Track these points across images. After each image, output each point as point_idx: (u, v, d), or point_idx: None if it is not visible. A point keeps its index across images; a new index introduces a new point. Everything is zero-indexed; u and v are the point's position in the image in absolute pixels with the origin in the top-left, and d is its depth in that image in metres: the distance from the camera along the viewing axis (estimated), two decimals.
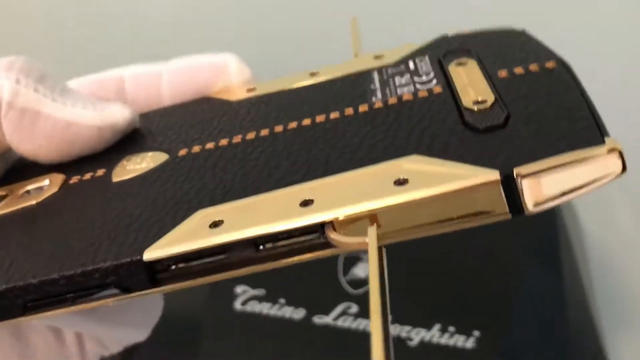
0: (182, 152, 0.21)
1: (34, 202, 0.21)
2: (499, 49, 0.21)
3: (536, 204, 0.16)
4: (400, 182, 0.16)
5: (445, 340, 0.38)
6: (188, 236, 0.17)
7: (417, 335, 0.38)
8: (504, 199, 0.16)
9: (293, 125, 0.20)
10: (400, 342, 0.38)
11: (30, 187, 0.22)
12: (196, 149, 0.21)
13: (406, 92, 0.20)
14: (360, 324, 0.39)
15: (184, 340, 0.40)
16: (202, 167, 0.19)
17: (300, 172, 0.18)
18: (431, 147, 0.17)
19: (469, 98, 0.19)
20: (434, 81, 0.20)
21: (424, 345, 0.38)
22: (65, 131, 0.21)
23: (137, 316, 0.25)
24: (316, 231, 0.16)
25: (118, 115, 0.22)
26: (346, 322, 0.39)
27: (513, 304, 0.39)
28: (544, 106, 0.17)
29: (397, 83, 0.21)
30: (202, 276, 0.17)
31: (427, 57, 0.22)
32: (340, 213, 0.16)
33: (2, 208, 0.21)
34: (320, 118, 0.20)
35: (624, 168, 0.16)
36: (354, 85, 0.21)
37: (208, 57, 0.24)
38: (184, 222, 0.17)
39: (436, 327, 0.38)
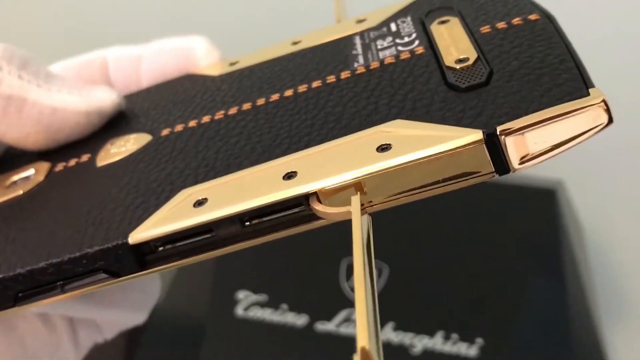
0: (165, 132, 0.21)
1: (20, 192, 0.21)
2: (482, 4, 0.21)
3: (521, 161, 0.16)
4: (383, 148, 0.16)
5: (448, 347, 0.38)
6: (173, 216, 0.17)
7: (420, 343, 0.38)
8: (489, 158, 0.15)
9: (275, 97, 0.20)
10: (402, 349, 0.38)
11: (16, 177, 0.22)
12: (179, 127, 0.20)
13: (388, 56, 0.20)
14: None
15: (186, 345, 0.40)
16: (185, 146, 0.19)
17: (282, 145, 0.18)
18: (414, 110, 0.17)
19: (451, 57, 0.18)
20: (416, 42, 0.20)
21: (427, 352, 0.38)
22: (51, 117, 0.21)
23: (134, 297, 0.25)
24: (301, 204, 0.16)
25: (105, 99, 0.22)
26: (349, 329, 0.39)
27: (516, 311, 0.39)
28: (527, 60, 0.17)
29: (379, 46, 0.21)
30: (191, 256, 0.17)
31: (409, 18, 0.22)
32: (323, 184, 0.16)
33: None
34: (302, 88, 0.20)
35: (610, 119, 0.15)
36: (335, 52, 0.21)
37: (176, 41, 0.24)
38: (168, 203, 0.17)
39: (439, 334, 0.38)
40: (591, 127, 0.15)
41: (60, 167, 0.21)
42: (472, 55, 0.18)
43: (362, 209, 0.15)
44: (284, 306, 0.40)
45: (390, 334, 0.38)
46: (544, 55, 0.17)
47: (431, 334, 0.38)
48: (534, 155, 0.16)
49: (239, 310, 0.40)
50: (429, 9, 0.21)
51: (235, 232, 0.17)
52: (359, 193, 0.16)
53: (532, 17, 0.19)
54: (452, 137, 0.16)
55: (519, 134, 0.15)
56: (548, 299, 0.39)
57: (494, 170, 0.16)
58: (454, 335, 0.38)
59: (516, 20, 0.19)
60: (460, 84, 0.17)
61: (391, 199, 0.16)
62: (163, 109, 0.22)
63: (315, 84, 0.20)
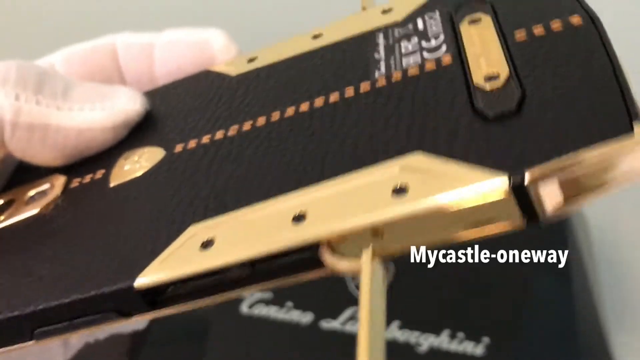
0: (179, 148, 0.20)
1: (37, 209, 0.20)
2: (520, 1, 0.19)
3: (554, 210, 0.14)
4: (399, 190, 0.15)
5: (454, 346, 0.38)
6: (179, 259, 0.16)
7: (426, 341, 0.38)
8: (516, 205, 0.14)
9: (290, 111, 0.19)
10: (409, 347, 0.38)
11: (34, 191, 0.21)
12: (192, 144, 0.20)
13: (412, 64, 0.18)
14: None
15: (190, 343, 0.40)
16: (197, 168, 0.19)
17: (294, 175, 0.17)
18: (435, 141, 0.16)
19: (481, 72, 0.17)
20: (444, 48, 0.18)
21: (433, 351, 0.38)
22: (78, 139, 0.20)
23: None
24: (311, 250, 0.15)
25: (130, 109, 0.21)
26: (354, 327, 0.39)
27: (523, 310, 0.38)
28: (562, 82, 0.15)
29: (403, 50, 0.19)
30: (202, 297, 0.17)
31: (437, 14, 0.20)
32: (333, 230, 0.15)
33: (9, 217, 0.21)
34: (319, 101, 0.19)
35: None
36: (357, 54, 0.20)
37: (192, 33, 0.23)
38: (176, 241, 0.17)
39: (445, 333, 0.38)
40: (632, 170, 0.14)
41: (75, 182, 0.21)
42: (504, 71, 0.16)
43: (374, 258, 0.15)
44: (289, 304, 0.40)
45: (396, 332, 0.38)
46: (582, 75, 0.15)
47: (437, 332, 0.38)
48: (564, 202, 0.14)
49: (244, 308, 0.40)
50: (460, 1, 0.20)
51: (245, 275, 0.16)
52: (371, 245, 0.15)
53: (574, 20, 0.17)
54: (474, 180, 0.14)
55: (547, 180, 0.14)
56: (554, 297, 0.39)
57: (522, 219, 0.14)
58: (460, 334, 0.38)
59: (555, 25, 0.17)
60: (488, 112, 0.15)
61: (408, 245, 0.15)
62: (178, 115, 0.21)
63: (333, 97, 0.19)
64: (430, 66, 0.18)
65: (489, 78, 0.16)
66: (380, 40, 0.20)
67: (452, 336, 0.38)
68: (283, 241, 0.15)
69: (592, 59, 0.16)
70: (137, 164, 0.20)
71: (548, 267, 0.40)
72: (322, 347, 0.38)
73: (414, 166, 0.15)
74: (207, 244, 0.16)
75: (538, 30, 0.17)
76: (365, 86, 0.18)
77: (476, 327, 0.38)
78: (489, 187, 0.14)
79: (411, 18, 0.20)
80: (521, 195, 0.14)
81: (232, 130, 0.19)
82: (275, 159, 0.18)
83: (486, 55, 0.17)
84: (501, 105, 0.15)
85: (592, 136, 0.14)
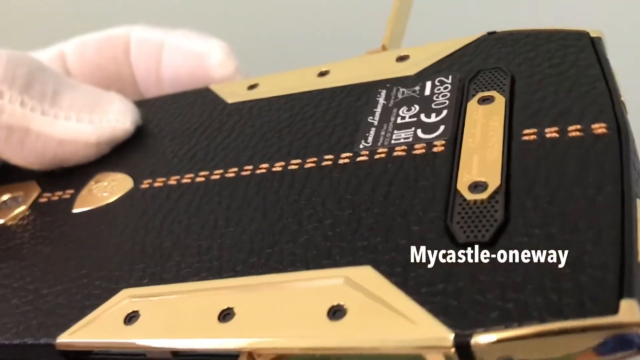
0: (146, 183, 0.20)
1: (2, 220, 0.20)
2: (543, 77, 0.16)
3: None
4: (335, 312, 0.13)
5: None
6: (102, 327, 0.16)
7: None
8: None
9: (263, 168, 0.18)
10: None
11: (7, 196, 0.21)
12: (159, 182, 0.19)
13: (402, 142, 0.17)
14: None
15: None
16: (154, 214, 0.18)
17: (238, 258, 0.16)
18: (392, 259, 0.14)
19: (469, 175, 0.15)
20: (440, 129, 0.16)
21: None
22: (58, 149, 0.20)
23: None
24: (232, 355, 0.14)
25: (117, 127, 0.20)
26: None
27: None
28: (555, 217, 0.13)
29: (399, 120, 0.17)
30: None
31: (450, 80, 0.18)
32: (255, 344, 0.14)
33: None
34: (294, 164, 0.18)
35: None
36: (352, 112, 0.19)
37: (194, 42, 0.22)
38: (105, 304, 0.16)
39: None
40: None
41: (44, 198, 0.21)
42: (494, 181, 0.14)
43: None
44: None
45: None
46: (583, 213, 0.13)
47: None
48: None
49: None
50: (479, 68, 0.18)
51: (167, 359, 0.15)
52: None
53: (598, 128, 0.14)
54: (415, 329, 0.12)
55: (499, 346, 0.12)
56: None
57: None
58: None
59: (573, 130, 0.14)
60: (458, 235, 0.14)
61: None
62: (160, 141, 0.21)
63: (309, 163, 0.17)
64: (419, 150, 0.16)
65: (475, 186, 0.14)
66: (381, 99, 0.19)
67: None
68: (204, 341, 0.14)
69: (601, 189, 0.13)
70: (105, 191, 0.20)
71: None
72: None
73: (360, 283, 0.14)
74: (131, 318, 0.15)
75: (551, 133, 0.15)
76: (345, 158, 0.17)
77: None
78: (431, 340, 0.12)
79: (422, 77, 0.19)
80: (466, 356, 0.12)
81: (200, 177, 0.19)
82: (229, 226, 0.17)
83: (482, 153, 0.15)
84: (475, 230, 0.14)
85: (564, 306, 0.12)
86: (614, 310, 0.11)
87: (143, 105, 0.23)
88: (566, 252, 0.12)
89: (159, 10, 0.50)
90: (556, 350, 0.12)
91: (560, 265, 0.12)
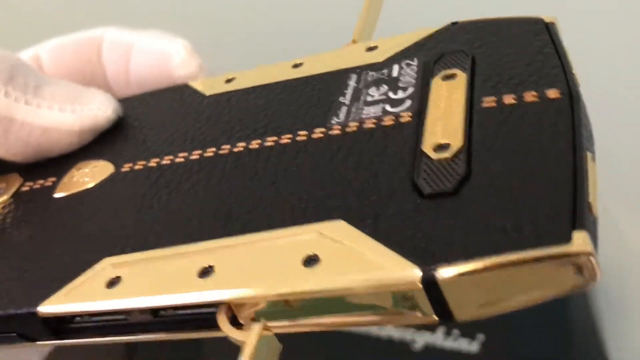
0: (126, 167, 0.20)
1: None
2: (502, 56, 0.18)
3: (469, 313, 0.13)
4: (310, 261, 0.14)
5: (449, 343, 0.38)
6: (84, 293, 0.16)
7: (420, 338, 0.38)
8: (427, 302, 0.13)
9: (240, 147, 0.19)
10: (403, 345, 0.38)
11: None
12: (139, 165, 0.20)
13: (372, 116, 0.18)
14: (367, 328, 0.39)
15: (187, 342, 0.40)
16: (134, 193, 0.19)
17: (219, 223, 0.16)
18: (363, 212, 0.15)
19: (434, 138, 0.16)
20: (408, 103, 0.17)
21: (427, 348, 0.38)
22: (42, 138, 0.20)
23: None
24: (212, 307, 0.15)
25: (99, 116, 0.21)
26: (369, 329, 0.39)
27: (515, 313, 0.38)
28: (513, 167, 0.14)
29: (368, 98, 0.18)
30: (107, 335, 0.17)
31: (416, 61, 0.19)
32: (235, 294, 0.14)
33: None
34: (270, 141, 0.18)
35: (592, 278, 0.12)
36: (325, 93, 0.19)
37: (158, 42, 0.22)
38: (86, 272, 0.17)
39: (440, 330, 0.38)
40: (562, 284, 0.12)
41: (26, 187, 0.21)
42: (457, 142, 0.15)
43: (263, 333, 0.14)
44: None
45: (391, 329, 0.38)
46: (539, 163, 0.14)
47: (432, 329, 0.38)
48: (481, 307, 0.13)
49: None
50: (443, 51, 0.19)
51: (148, 321, 0.16)
52: (262, 320, 0.14)
53: (552, 93, 0.15)
54: (385, 267, 0.13)
55: (463, 280, 0.13)
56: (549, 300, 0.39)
57: (434, 315, 0.13)
58: (455, 331, 0.38)
59: (530, 96, 0.16)
60: (424, 187, 0.14)
61: (305, 324, 0.15)
62: (140, 130, 0.21)
63: (285, 139, 0.18)
64: (388, 122, 0.17)
65: (439, 147, 0.15)
66: (352, 82, 0.19)
67: (447, 333, 0.38)
68: (184, 295, 0.15)
69: (555, 143, 0.14)
70: (86, 177, 0.20)
71: None
72: (319, 344, 0.39)
73: (333, 236, 0.14)
74: (113, 283, 0.16)
75: (509, 99, 0.16)
76: (319, 133, 0.18)
77: (471, 324, 0.38)
78: (399, 278, 0.13)
79: (390, 62, 0.20)
80: (433, 292, 0.13)
81: (180, 157, 0.19)
82: (208, 198, 0.17)
83: (446, 120, 0.16)
84: (440, 183, 0.14)
85: (523, 239, 0.13)
86: (567, 240, 0.12)
87: (123, 101, 0.23)
88: (524, 195, 0.13)
89: (136, 9, 0.50)
90: (520, 285, 0.13)
91: (519, 208, 0.13)
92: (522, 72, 0.17)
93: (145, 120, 0.22)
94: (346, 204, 0.15)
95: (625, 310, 0.44)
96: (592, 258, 0.12)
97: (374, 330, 0.38)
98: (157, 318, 0.16)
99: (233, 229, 0.16)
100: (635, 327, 0.43)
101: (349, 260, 0.14)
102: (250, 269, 0.15)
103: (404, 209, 0.14)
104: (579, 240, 0.12)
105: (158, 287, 0.15)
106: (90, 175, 0.20)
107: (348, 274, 0.13)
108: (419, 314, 0.13)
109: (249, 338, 0.14)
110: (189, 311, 0.16)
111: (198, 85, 0.22)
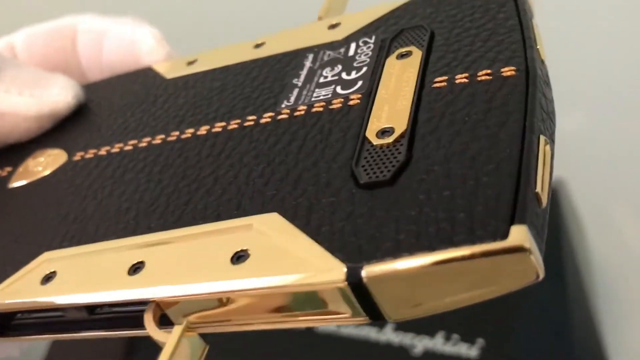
0: (78, 155, 0.20)
1: None
2: (462, 31, 0.17)
3: (400, 313, 0.13)
4: (239, 257, 0.14)
5: (449, 348, 0.37)
6: (20, 289, 0.16)
7: (420, 343, 0.38)
8: (355, 301, 0.12)
9: (188, 134, 0.18)
10: (403, 350, 0.38)
11: None
12: (90, 153, 0.20)
13: (322, 99, 0.17)
14: (364, 331, 0.39)
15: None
16: (81, 183, 0.19)
17: (153, 216, 0.16)
18: (298, 204, 0.14)
19: (378, 123, 0.15)
20: (359, 84, 0.17)
21: (427, 353, 0.37)
22: None
23: None
24: (143, 304, 0.14)
25: (58, 101, 0.20)
26: (349, 329, 0.39)
27: (517, 312, 0.38)
28: (455, 154, 0.13)
29: (321, 79, 0.18)
30: (48, 332, 0.16)
31: (374, 38, 0.18)
32: (161, 292, 0.14)
33: None
34: (218, 127, 0.18)
35: (536, 276, 0.11)
36: (280, 75, 0.19)
37: (128, 30, 0.22)
38: (25, 267, 0.16)
39: (440, 335, 0.38)
40: (501, 283, 0.12)
41: None
42: (400, 126, 0.14)
43: (185, 335, 0.14)
44: None
45: (390, 334, 0.38)
46: (483, 148, 0.13)
47: (432, 334, 0.38)
48: (417, 305, 0.12)
49: None
50: (402, 28, 0.18)
51: (84, 318, 0.16)
52: (185, 321, 0.14)
53: (507, 70, 0.14)
54: (312, 266, 0.13)
55: (391, 279, 0.12)
56: (549, 300, 0.39)
57: (365, 315, 0.13)
58: (455, 336, 0.38)
59: (483, 74, 0.15)
60: (360, 176, 0.14)
61: (237, 323, 0.14)
62: (95, 117, 0.21)
63: (233, 124, 0.18)
64: (336, 105, 0.17)
65: (382, 132, 0.15)
66: (308, 62, 0.19)
67: (447, 338, 0.38)
68: (113, 293, 0.15)
69: (503, 126, 0.13)
70: (40, 166, 0.20)
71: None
72: (317, 350, 0.38)
73: (265, 230, 0.14)
74: (48, 279, 0.16)
75: (461, 78, 0.15)
76: (267, 117, 0.17)
77: (471, 329, 0.38)
78: (325, 276, 0.12)
79: (349, 40, 0.19)
80: (360, 291, 0.12)
81: (129, 145, 0.19)
82: (149, 188, 0.17)
83: (393, 102, 0.15)
84: (377, 171, 0.14)
85: (455, 234, 0.12)
86: (504, 235, 0.11)
87: (88, 87, 0.23)
88: (462, 185, 0.12)
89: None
90: (456, 283, 0.12)
91: (456, 198, 0.12)
92: (479, 49, 0.16)
93: (107, 105, 0.22)
94: (282, 195, 0.15)
95: (627, 317, 0.45)
96: (530, 255, 0.11)
97: (373, 335, 0.38)
98: (93, 315, 0.16)
99: (168, 221, 0.16)
100: (636, 330, 0.44)
101: (276, 257, 0.13)
102: (179, 266, 0.14)
103: (338, 199, 0.14)
104: (517, 235, 0.11)
105: (89, 284, 0.15)
106: (44, 164, 0.20)
107: (273, 272, 0.13)
108: (348, 314, 0.13)
109: (168, 339, 0.14)
110: (122, 309, 0.15)
111: (160, 67, 0.22)
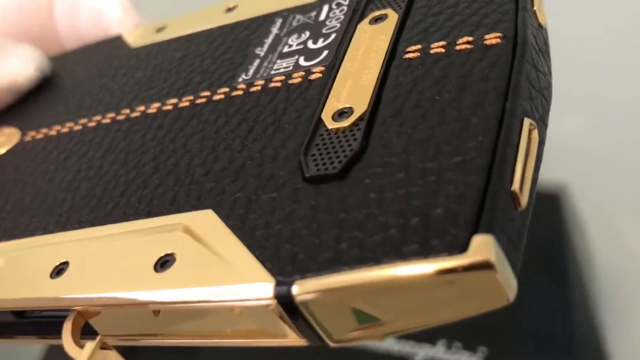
0: (29, 136, 0.19)
1: None
2: None
3: (342, 336, 0.11)
4: (164, 263, 0.12)
5: (450, 356, 0.37)
6: None
7: (421, 351, 0.37)
8: (289, 321, 0.11)
9: (138, 112, 0.17)
10: (403, 359, 0.37)
11: None
12: (41, 133, 0.18)
13: (282, 72, 0.15)
14: None
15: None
16: (26, 168, 0.17)
17: (85, 209, 0.15)
18: (235, 201, 0.12)
19: (337, 103, 0.13)
20: (324, 54, 0.15)
21: None
22: None
23: None
24: (62, 312, 0.13)
25: (18, 74, 0.19)
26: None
27: (519, 320, 0.38)
28: (418, 141, 0.11)
29: (285, 49, 0.16)
30: None
31: (347, 1, 0.16)
32: (82, 301, 0.13)
33: None
34: (169, 104, 0.16)
35: (500, 297, 0.09)
36: (245, 42, 0.17)
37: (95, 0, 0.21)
38: None
39: (441, 343, 0.37)
40: (462, 305, 0.10)
41: None
42: (360, 107, 0.12)
43: (101, 348, 0.12)
44: None
45: (391, 342, 0.37)
46: (451, 135, 0.11)
47: (433, 342, 0.37)
48: (368, 328, 0.10)
49: None
50: None
51: (13, 321, 0.14)
52: (99, 337, 0.13)
53: (491, 38, 0.12)
54: (237, 277, 0.11)
55: (327, 296, 0.10)
56: (552, 307, 0.38)
57: (301, 337, 0.11)
58: (457, 344, 0.37)
59: (462, 42, 0.13)
60: (310, 166, 0.12)
61: (162, 337, 0.13)
62: (59, 93, 0.20)
63: (185, 101, 0.16)
64: (296, 79, 0.15)
65: (340, 113, 0.13)
66: (275, 28, 0.17)
67: (448, 346, 0.37)
68: (35, 299, 0.13)
69: (478, 107, 0.11)
70: None
71: (545, 276, 0.40)
72: (314, 350, 0.38)
73: (196, 230, 0.12)
74: None
75: (437, 47, 0.13)
76: (220, 94, 0.16)
77: (473, 337, 0.37)
78: (251, 291, 0.11)
79: (323, 1, 0.17)
80: (291, 310, 0.10)
81: (79, 125, 0.18)
82: (87, 175, 0.16)
83: (357, 77, 0.13)
84: (328, 162, 0.12)
85: (406, 245, 0.10)
86: (462, 247, 0.09)
87: (58, 58, 0.22)
88: (421, 181, 0.10)
89: None
90: (409, 303, 0.10)
91: (412, 198, 0.10)
92: (464, 11, 0.13)
93: (69, 79, 0.20)
94: (221, 188, 0.13)
95: (630, 321, 0.44)
96: (495, 274, 0.09)
97: (373, 343, 0.37)
98: (23, 319, 0.14)
99: (99, 215, 0.14)
100: (638, 332, 0.43)
101: (202, 264, 0.12)
102: (102, 271, 0.13)
103: (280, 195, 0.12)
104: (479, 247, 0.09)
105: (13, 287, 0.14)
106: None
107: (196, 282, 0.11)
108: (282, 335, 0.11)
109: (81, 355, 0.12)
110: (48, 314, 0.14)
111: (129, 36, 0.21)
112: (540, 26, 0.13)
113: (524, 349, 0.37)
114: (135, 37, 0.21)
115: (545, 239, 0.41)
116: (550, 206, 0.42)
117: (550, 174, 0.43)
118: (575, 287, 0.40)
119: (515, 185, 0.10)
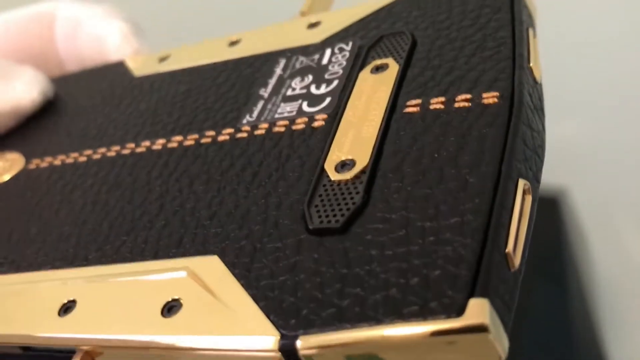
0: (34, 163, 0.18)
1: None
2: (447, 42, 0.15)
3: None
4: (170, 308, 0.12)
5: None
6: None
7: None
8: None
9: (143, 147, 0.17)
10: None
11: None
12: (46, 162, 0.18)
13: (286, 116, 0.15)
14: None
15: None
16: (30, 197, 0.17)
17: (92, 246, 0.15)
18: (240, 248, 0.13)
19: (339, 153, 0.13)
20: (326, 101, 0.15)
21: None
22: None
23: None
24: (69, 351, 0.13)
25: (22, 98, 0.19)
26: None
27: (519, 321, 0.38)
28: (417, 198, 0.11)
29: (288, 92, 0.16)
30: None
31: (350, 45, 0.16)
32: (89, 341, 0.13)
33: None
34: (174, 141, 0.17)
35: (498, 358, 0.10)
36: (249, 81, 0.17)
37: (97, 25, 0.21)
38: None
39: None
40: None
41: None
42: (362, 159, 0.13)
43: None
44: None
45: None
46: (448, 195, 0.11)
47: None
48: None
49: None
50: (382, 34, 0.16)
51: (17, 353, 0.15)
52: None
53: (488, 97, 0.12)
54: (242, 329, 0.11)
55: (329, 352, 0.10)
56: (551, 309, 0.38)
57: None
58: None
59: (461, 99, 0.13)
60: (313, 217, 0.12)
61: None
62: (62, 119, 0.20)
63: (190, 139, 0.16)
64: (299, 125, 0.15)
65: (343, 165, 0.13)
66: (279, 68, 0.17)
67: None
68: (42, 336, 0.14)
69: (474, 167, 0.11)
70: None
71: (544, 278, 0.40)
72: None
73: (200, 276, 0.13)
74: None
75: (436, 103, 0.13)
76: (225, 134, 0.16)
77: None
78: (255, 343, 0.11)
79: (324, 45, 0.17)
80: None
81: (84, 157, 0.18)
82: (93, 210, 0.16)
83: (359, 128, 0.13)
84: (331, 214, 0.12)
85: (404, 306, 0.10)
86: (459, 311, 0.10)
87: (59, 81, 0.21)
88: (421, 241, 0.11)
89: None
90: (408, 354, 0.10)
91: (412, 257, 0.10)
92: (462, 66, 0.13)
93: (73, 104, 0.20)
94: (226, 234, 0.13)
95: (629, 323, 0.44)
96: (489, 335, 0.09)
97: None
98: (28, 352, 0.14)
99: (106, 254, 0.14)
100: (639, 339, 0.43)
101: (208, 312, 0.12)
102: (110, 311, 0.13)
103: (284, 245, 0.12)
104: (475, 311, 0.09)
105: (20, 322, 0.14)
106: (3, 169, 0.19)
107: (202, 330, 0.12)
108: None
109: None
110: (56, 348, 0.14)
111: (132, 62, 0.21)
112: (535, 82, 0.13)
113: (522, 350, 0.37)
114: (138, 65, 0.21)
115: (545, 242, 0.41)
116: (550, 209, 0.42)
117: (550, 178, 0.43)
118: (574, 290, 0.40)
119: (509, 247, 0.10)
